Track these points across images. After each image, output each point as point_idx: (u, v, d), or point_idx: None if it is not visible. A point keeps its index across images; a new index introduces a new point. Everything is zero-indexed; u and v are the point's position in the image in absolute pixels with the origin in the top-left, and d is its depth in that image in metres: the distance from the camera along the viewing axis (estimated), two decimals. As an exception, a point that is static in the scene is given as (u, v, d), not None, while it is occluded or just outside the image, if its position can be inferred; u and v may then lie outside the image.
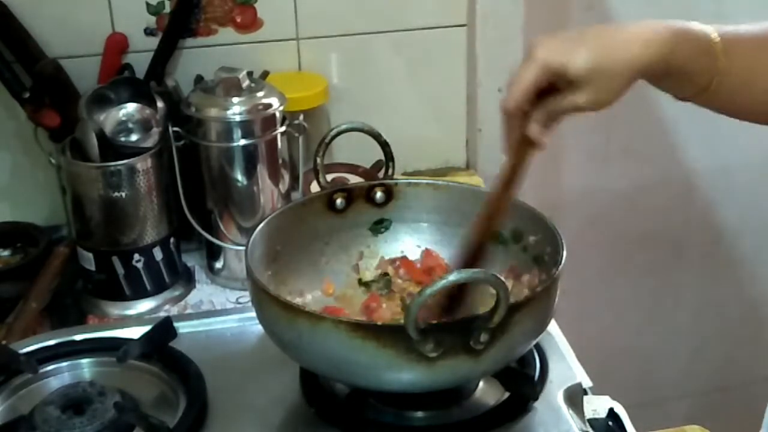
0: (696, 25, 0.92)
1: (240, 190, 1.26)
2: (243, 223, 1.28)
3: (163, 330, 1.09)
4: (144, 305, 1.25)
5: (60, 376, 1.06)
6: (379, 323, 0.96)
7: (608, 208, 1.85)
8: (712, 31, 0.92)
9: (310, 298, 1.09)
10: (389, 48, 1.49)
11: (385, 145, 1.13)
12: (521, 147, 0.92)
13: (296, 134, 1.29)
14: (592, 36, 0.89)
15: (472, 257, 0.96)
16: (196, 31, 1.40)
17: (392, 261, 1.12)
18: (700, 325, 2.05)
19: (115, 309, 1.25)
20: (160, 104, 1.24)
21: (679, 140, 1.81)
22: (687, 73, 0.91)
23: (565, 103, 0.89)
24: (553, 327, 1.10)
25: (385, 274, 1.11)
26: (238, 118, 1.22)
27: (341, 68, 1.49)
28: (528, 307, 0.89)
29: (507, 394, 1.00)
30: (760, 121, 0.98)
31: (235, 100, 1.23)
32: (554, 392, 1.00)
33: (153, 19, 1.38)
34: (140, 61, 1.36)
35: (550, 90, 0.89)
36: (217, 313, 1.20)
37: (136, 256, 1.23)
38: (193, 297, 1.29)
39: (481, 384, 1.02)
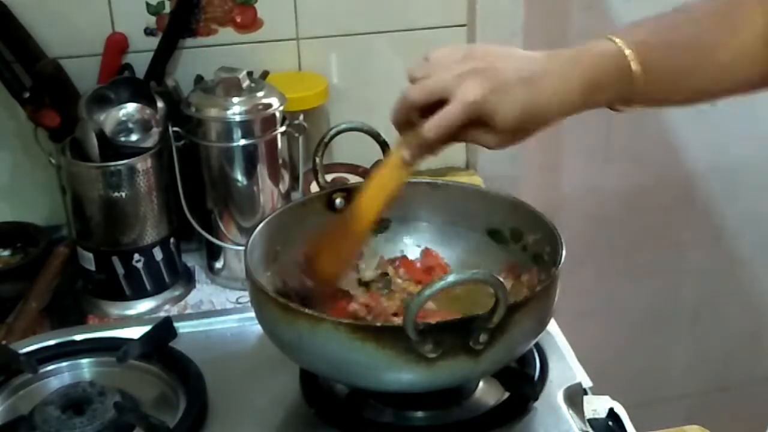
0: (608, 48, 0.90)
1: (240, 190, 1.26)
2: (243, 223, 1.28)
3: (163, 330, 1.09)
4: (144, 305, 1.25)
5: (60, 376, 1.06)
6: (379, 324, 0.96)
7: (608, 208, 1.85)
8: (624, 47, 0.89)
9: (310, 298, 1.09)
10: (389, 48, 1.49)
11: (385, 145, 1.12)
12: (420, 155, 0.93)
13: (296, 134, 1.29)
14: (520, 84, 0.87)
15: None
16: (196, 31, 1.40)
17: (392, 261, 1.12)
18: (700, 325, 2.05)
19: (115, 309, 1.25)
20: (160, 104, 1.24)
21: (679, 140, 1.81)
22: (608, 101, 0.92)
23: (476, 139, 0.90)
24: (553, 327, 1.10)
25: (385, 273, 1.11)
26: (238, 118, 1.23)
27: (341, 68, 1.49)
28: (527, 307, 0.89)
29: (507, 394, 1.00)
30: (701, 102, 0.97)
31: (235, 100, 1.23)
32: (554, 392, 1.00)
33: (153, 19, 1.38)
34: (140, 61, 1.36)
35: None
36: (217, 313, 1.21)
37: (136, 256, 1.23)
38: (193, 297, 1.29)
39: (481, 384, 1.02)
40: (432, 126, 0.88)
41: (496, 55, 0.90)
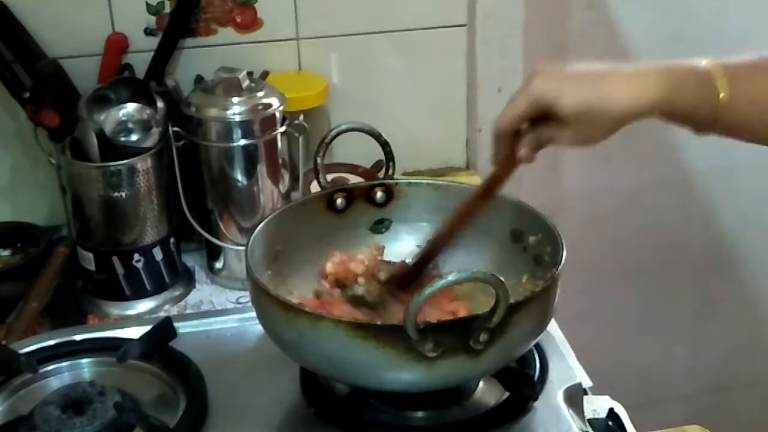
0: (695, 63, 0.91)
1: (240, 190, 1.26)
2: (243, 223, 1.28)
3: (163, 330, 1.09)
4: (144, 305, 1.25)
5: (60, 376, 1.06)
6: (379, 323, 0.96)
7: (608, 208, 1.85)
8: (712, 65, 0.90)
9: (310, 298, 1.09)
10: (389, 48, 1.49)
11: (385, 145, 1.13)
12: (508, 163, 0.95)
13: (296, 134, 1.29)
14: (588, 78, 0.90)
15: (429, 255, 1.03)
16: (196, 31, 1.40)
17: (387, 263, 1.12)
18: (700, 325, 2.05)
19: (115, 309, 1.25)
20: (160, 104, 1.24)
21: (679, 140, 1.81)
22: (688, 114, 0.91)
23: (551, 137, 0.91)
24: (553, 327, 1.10)
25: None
26: (238, 118, 1.23)
27: (341, 68, 1.49)
28: (528, 307, 0.89)
29: (507, 394, 1.00)
30: None
31: (235, 100, 1.23)
32: (554, 392, 1.00)
33: (153, 19, 1.38)
34: (140, 61, 1.36)
35: (544, 118, 0.91)
36: (217, 313, 1.21)
37: (136, 256, 1.23)
38: (193, 297, 1.29)
39: (481, 384, 1.02)
40: (500, 116, 0.91)
41: (576, 64, 0.92)
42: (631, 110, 0.89)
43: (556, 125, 0.90)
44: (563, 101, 0.88)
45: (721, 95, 0.89)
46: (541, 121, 0.91)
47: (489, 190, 0.98)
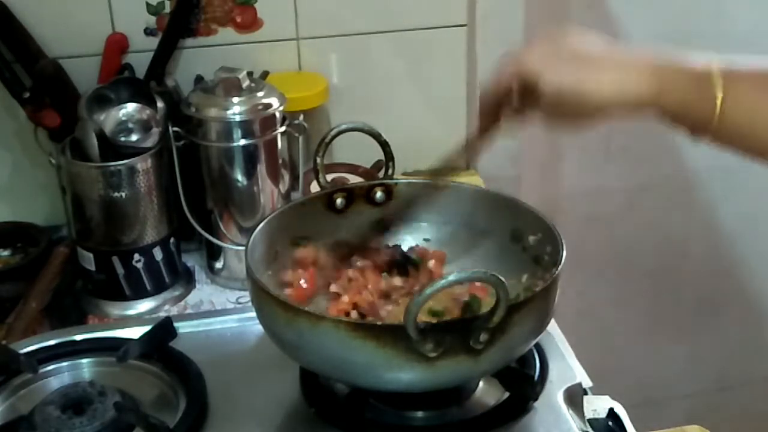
0: (692, 58, 0.86)
1: (240, 190, 1.26)
2: (243, 223, 1.28)
3: (163, 330, 1.09)
4: (144, 305, 1.25)
5: (60, 376, 1.06)
6: (379, 323, 0.96)
7: (608, 208, 1.85)
8: (713, 63, 0.85)
9: (310, 298, 1.09)
10: (389, 48, 1.49)
11: (385, 145, 1.13)
12: (489, 123, 0.97)
13: (296, 134, 1.29)
14: (576, 60, 0.87)
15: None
16: (196, 31, 1.40)
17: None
18: (700, 325, 2.05)
19: (115, 309, 1.25)
20: (160, 104, 1.24)
21: (679, 140, 1.80)
22: (679, 116, 0.87)
23: (528, 111, 0.91)
24: (553, 327, 1.10)
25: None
26: (238, 118, 1.23)
27: (341, 68, 1.49)
28: (528, 307, 0.89)
29: (507, 394, 1.00)
30: None
31: (235, 100, 1.23)
32: (554, 392, 1.00)
33: (153, 19, 1.38)
34: (140, 61, 1.36)
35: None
36: (217, 313, 1.21)
37: (136, 256, 1.23)
38: (193, 297, 1.29)
39: (481, 384, 1.02)
40: (489, 79, 0.92)
41: (570, 35, 0.90)
42: (612, 102, 0.86)
43: (537, 101, 0.89)
44: (543, 79, 0.87)
45: (717, 101, 0.83)
46: (527, 92, 0.90)
47: (471, 146, 1.00)
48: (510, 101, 0.92)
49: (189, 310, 1.26)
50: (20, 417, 0.97)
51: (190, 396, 1.00)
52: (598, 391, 1.04)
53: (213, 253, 1.32)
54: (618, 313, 1.97)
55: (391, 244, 1.12)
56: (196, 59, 1.40)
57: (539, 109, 0.89)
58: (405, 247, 1.12)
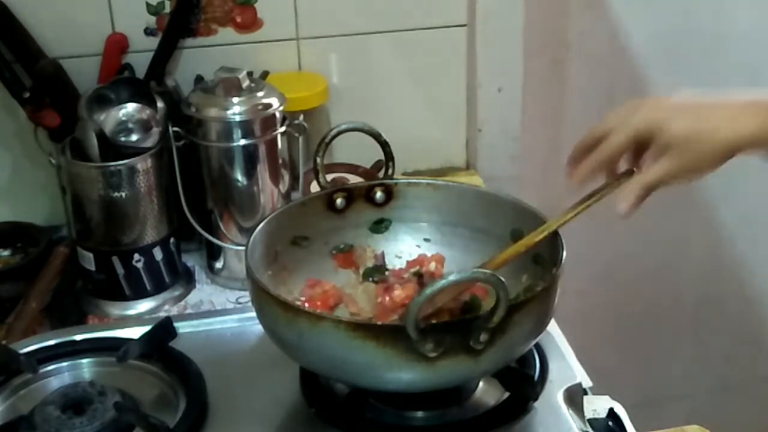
0: None
1: (240, 190, 1.26)
2: (243, 223, 1.28)
3: (163, 330, 1.09)
4: (144, 305, 1.26)
5: (60, 376, 1.06)
6: (379, 323, 0.96)
7: (608, 208, 1.85)
8: None
9: (310, 298, 1.09)
10: (389, 48, 1.49)
11: (385, 145, 1.13)
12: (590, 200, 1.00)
13: (296, 134, 1.29)
14: (695, 108, 0.92)
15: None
16: (196, 31, 1.40)
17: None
18: (700, 325, 2.05)
19: (115, 309, 1.25)
20: (160, 104, 1.24)
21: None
22: None
23: (657, 168, 0.93)
24: (553, 327, 1.10)
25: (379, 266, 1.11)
26: (238, 118, 1.23)
27: (341, 68, 1.49)
28: (528, 307, 0.89)
29: (507, 394, 1.00)
30: None
31: (235, 100, 1.23)
32: (554, 392, 1.00)
33: (153, 19, 1.38)
34: (140, 61, 1.36)
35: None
36: (217, 313, 1.21)
37: (136, 256, 1.23)
38: (193, 297, 1.29)
39: (481, 384, 1.02)
40: (601, 149, 0.94)
41: (671, 95, 0.94)
42: (734, 140, 0.91)
43: (660, 155, 0.91)
44: (671, 125, 0.90)
45: None
46: (642, 148, 0.93)
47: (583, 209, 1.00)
48: (619, 159, 0.95)
49: (189, 310, 1.26)
50: (20, 417, 0.97)
51: (190, 396, 1.00)
52: (598, 391, 1.04)
53: (213, 253, 1.32)
54: (618, 313, 1.97)
55: (392, 245, 1.12)
56: (196, 59, 1.40)
57: (662, 160, 0.92)
58: (405, 247, 1.13)
